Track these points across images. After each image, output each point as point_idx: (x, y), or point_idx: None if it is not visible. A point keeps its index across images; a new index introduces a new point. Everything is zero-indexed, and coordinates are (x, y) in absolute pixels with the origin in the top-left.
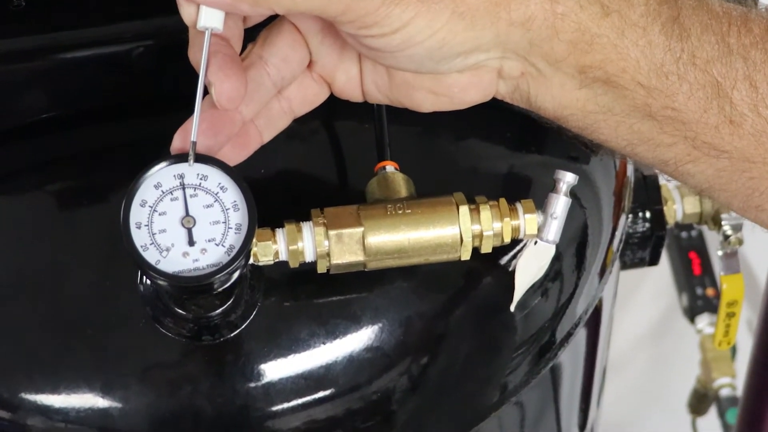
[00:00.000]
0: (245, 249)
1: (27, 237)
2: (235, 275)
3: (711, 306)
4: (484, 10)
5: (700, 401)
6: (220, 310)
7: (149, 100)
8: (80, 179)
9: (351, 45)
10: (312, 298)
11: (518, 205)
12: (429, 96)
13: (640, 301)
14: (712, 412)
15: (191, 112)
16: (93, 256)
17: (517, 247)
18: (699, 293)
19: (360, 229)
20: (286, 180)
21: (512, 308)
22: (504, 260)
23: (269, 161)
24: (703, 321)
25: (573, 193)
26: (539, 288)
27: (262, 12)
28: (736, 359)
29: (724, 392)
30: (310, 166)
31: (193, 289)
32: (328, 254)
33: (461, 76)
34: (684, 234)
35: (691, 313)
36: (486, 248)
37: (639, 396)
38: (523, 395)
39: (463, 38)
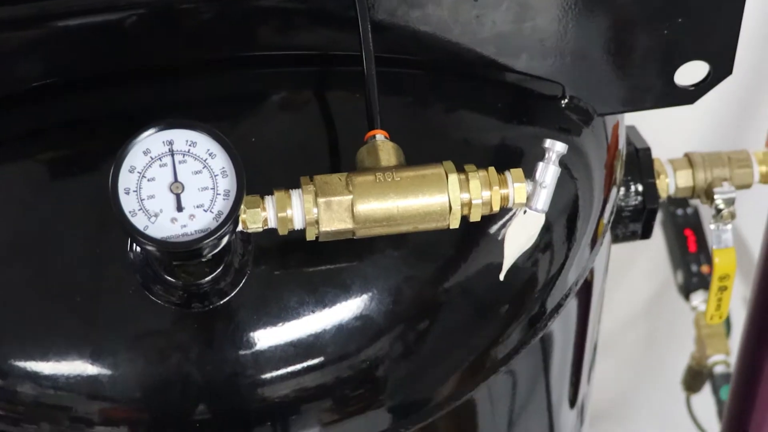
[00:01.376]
0: (233, 215)
1: (17, 205)
2: (224, 241)
3: (706, 283)
4: None
5: (695, 378)
6: (210, 277)
7: (142, 69)
8: (71, 147)
9: None
10: (301, 266)
11: (507, 174)
12: None
13: (634, 279)
14: (707, 390)
15: (181, 81)
16: (83, 224)
17: (507, 216)
18: (694, 270)
19: (349, 197)
20: (277, 149)
21: (501, 277)
22: (493, 229)
23: (260, 130)
24: (698, 298)
25: (564, 164)
26: (530, 258)
27: None
28: (731, 336)
29: (719, 369)
30: (301, 136)
31: (181, 254)
32: (317, 222)
33: None
34: (680, 211)
35: (686, 291)
36: (475, 217)
37: (633, 373)
38: (514, 365)
39: None
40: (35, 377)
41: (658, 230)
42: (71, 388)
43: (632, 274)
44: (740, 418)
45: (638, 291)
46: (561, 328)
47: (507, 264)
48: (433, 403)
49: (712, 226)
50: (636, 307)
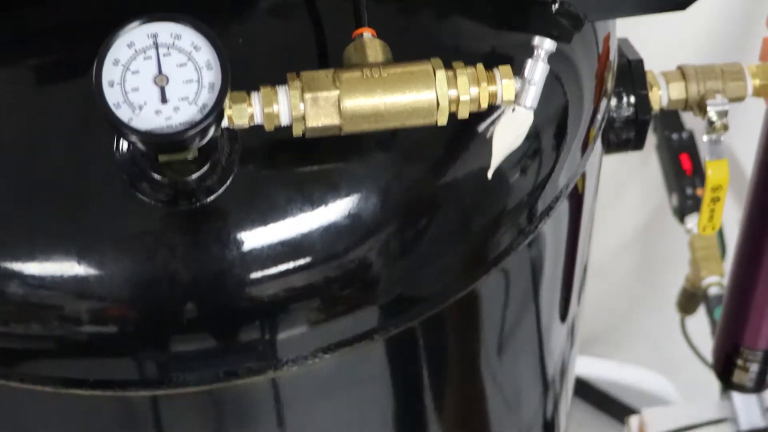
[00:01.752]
0: (218, 107)
1: (3, 107)
2: (209, 134)
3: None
4: None
5: (689, 300)
6: (197, 174)
7: None
8: (57, 51)
9: None
10: (289, 166)
11: (496, 71)
12: None
13: (629, 203)
14: (701, 312)
15: None
16: (70, 126)
17: (495, 114)
18: (689, 193)
19: (335, 92)
20: (264, 50)
21: (489, 175)
22: (482, 127)
23: (246, 30)
24: (693, 221)
25: (553, 73)
26: (520, 159)
27: None
28: (726, 258)
29: (713, 291)
30: (289, 37)
31: (166, 147)
32: (304, 117)
33: None
34: (675, 135)
35: (681, 213)
36: (463, 113)
37: (627, 297)
38: (505, 266)
39: None
40: (22, 277)
41: (652, 154)
42: (58, 287)
43: (626, 199)
44: (733, 332)
45: (632, 215)
46: (552, 233)
47: (495, 162)
48: (423, 302)
49: (705, 138)
50: (630, 231)
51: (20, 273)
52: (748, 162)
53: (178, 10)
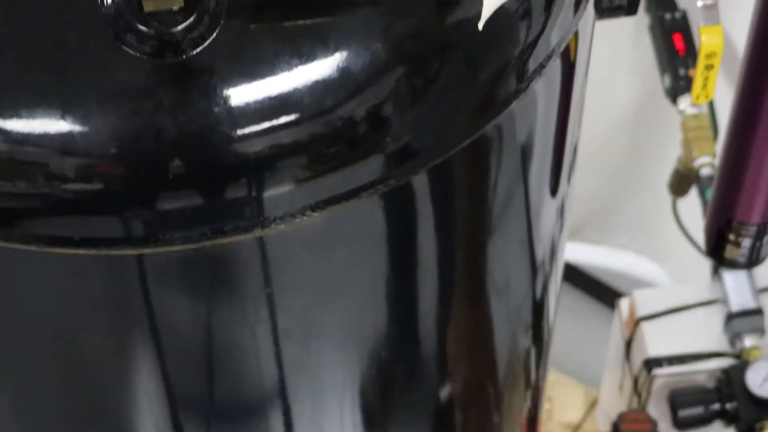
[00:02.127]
0: None
1: None
2: None
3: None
4: None
5: (681, 182)
6: (183, 25)
7: None
8: None
9: None
10: (277, 20)
11: None
12: None
13: (621, 84)
14: (692, 196)
15: None
16: None
17: None
18: (682, 74)
19: None
20: None
21: (480, 26)
22: None
23: None
24: (686, 101)
25: None
26: (512, 11)
27: None
28: (717, 139)
29: (705, 171)
30: None
31: None
32: None
33: None
34: (668, 15)
35: (674, 94)
36: None
37: (620, 180)
38: (499, 123)
39: None
40: (5, 132)
41: (645, 34)
42: (43, 143)
43: (618, 80)
44: (726, 207)
45: (625, 96)
46: (544, 95)
47: (486, 13)
48: (410, 159)
49: (699, 3)
50: (622, 113)
51: (2, 129)
52: (739, 39)
53: None
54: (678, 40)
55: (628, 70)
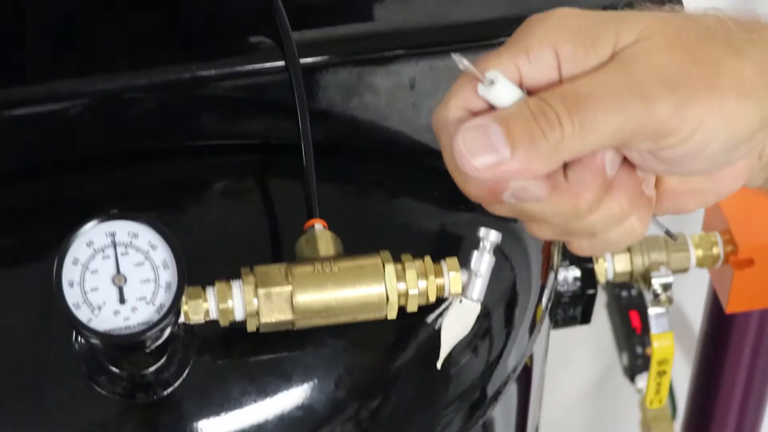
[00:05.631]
0: (175, 307)
1: None
2: (166, 333)
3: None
4: (763, 84)
5: None
6: (153, 368)
7: (87, 157)
8: (16, 236)
9: (640, 167)
10: (244, 356)
11: (443, 263)
12: (696, 197)
13: (580, 360)
14: None
15: (124, 170)
16: (27, 314)
17: (443, 305)
18: (639, 352)
19: (288, 288)
20: (219, 237)
21: (438, 365)
22: (430, 318)
23: (202, 219)
24: (644, 380)
25: (501, 250)
26: (469, 345)
27: (556, 164)
28: (677, 419)
29: None
30: (243, 224)
31: (124, 347)
32: (258, 313)
33: (732, 166)
34: (624, 293)
35: (632, 373)
36: (412, 307)
37: None
38: None
39: (751, 119)
40: None
41: (602, 312)
42: None
43: (577, 356)
44: None
45: (583, 372)
46: (502, 414)
47: (444, 352)
48: None
49: (650, 311)
50: (581, 388)
51: None
52: (694, 314)
53: (135, 192)
54: (635, 318)
55: (586, 346)
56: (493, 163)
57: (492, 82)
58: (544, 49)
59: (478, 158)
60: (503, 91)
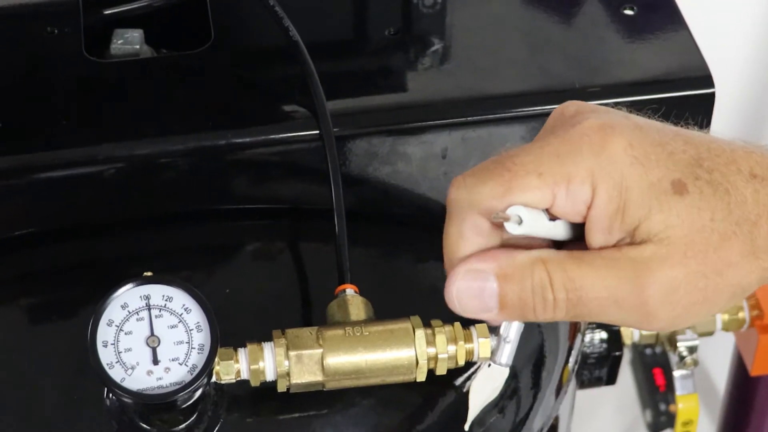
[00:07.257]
0: (207, 368)
1: None
2: (198, 393)
3: (674, 422)
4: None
5: None
6: (184, 425)
7: (121, 219)
8: (52, 295)
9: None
10: (273, 414)
11: (472, 329)
12: None
13: (604, 416)
14: None
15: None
16: (60, 371)
17: (472, 369)
18: (662, 409)
19: (319, 351)
20: (251, 300)
21: (466, 428)
22: (458, 381)
23: (234, 281)
24: None
25: None
26: (496, 406)
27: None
28: None
29: None
30: (274, 287)
31: (156, 406)
32: (288, 374)
33: None
34: (648, 350)
35: (655, 429)
36: (441, 370)
37: None
38: None
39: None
40: None
41: (626, 369)
42: None
43: (601, 412)
44: None
45: (607, 429)
46: None
47: (472, 415)
48: None
49: (675, 373)
50: None
51: None
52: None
53: (169, 254)
54: (658, 375)
55: (611, 403)
56: (480, 313)
57: (520, 221)
58: (585, 186)
59: (468, 311)
60: (528, 229)
